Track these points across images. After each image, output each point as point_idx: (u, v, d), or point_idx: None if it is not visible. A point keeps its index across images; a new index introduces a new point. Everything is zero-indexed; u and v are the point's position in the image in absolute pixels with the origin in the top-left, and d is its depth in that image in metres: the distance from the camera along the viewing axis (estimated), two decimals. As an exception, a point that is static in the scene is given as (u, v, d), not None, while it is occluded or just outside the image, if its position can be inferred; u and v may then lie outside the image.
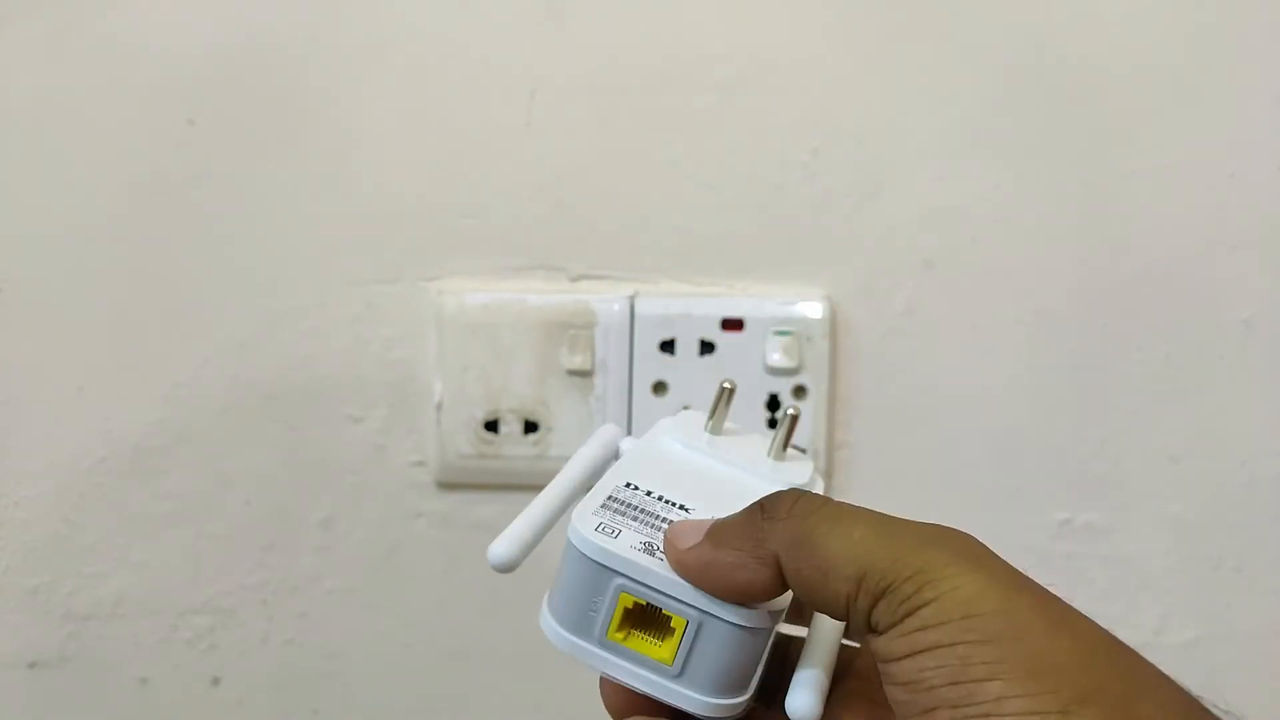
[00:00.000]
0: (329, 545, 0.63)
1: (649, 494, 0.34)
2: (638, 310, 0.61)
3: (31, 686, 0.64)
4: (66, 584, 0.64)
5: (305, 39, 0.60)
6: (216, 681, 0.65)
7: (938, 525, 0.30)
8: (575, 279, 0.62)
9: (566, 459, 0.38)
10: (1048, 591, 0.28)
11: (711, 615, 0.31)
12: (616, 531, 0.32)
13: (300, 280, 0.62)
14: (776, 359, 0.60)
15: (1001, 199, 0.60)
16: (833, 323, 0.61)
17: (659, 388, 0.61)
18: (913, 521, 0.30)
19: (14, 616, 0.64)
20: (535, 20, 0.60)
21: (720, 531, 0.31)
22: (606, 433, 0.39)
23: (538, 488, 0.37)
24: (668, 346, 0.61)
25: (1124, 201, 0.60)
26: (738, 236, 0.61)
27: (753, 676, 0.32)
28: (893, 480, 0.62)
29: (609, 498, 0.33)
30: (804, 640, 0.33)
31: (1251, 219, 0.60)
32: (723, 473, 0.36)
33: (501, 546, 0.34)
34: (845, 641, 0.34)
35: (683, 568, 0.31)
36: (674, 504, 0.33)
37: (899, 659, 0.28)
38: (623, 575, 0.31)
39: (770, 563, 0.30)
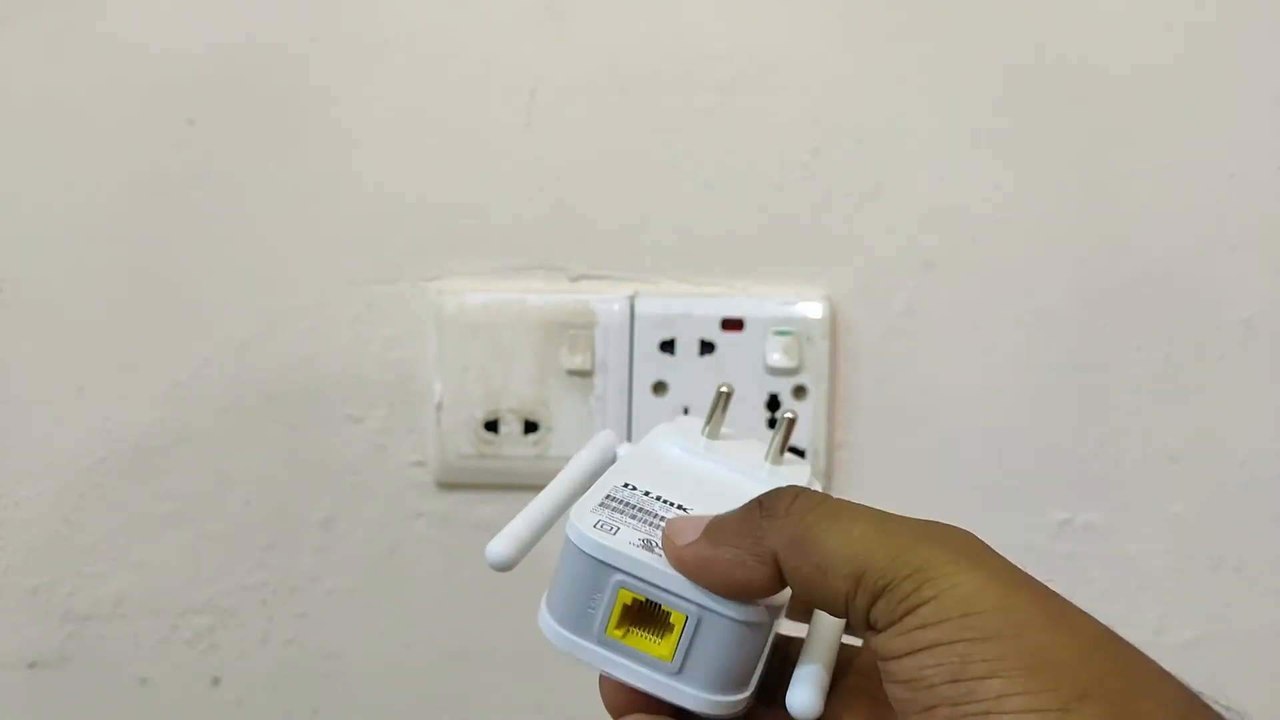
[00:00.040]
0: (329, 545, 0.63)
1: (647, 494, 0.34)
2: (638, 310, 0.61)
3: (31, 686, 0.64)
4: (66, 584, 0.64)
5: (305, 39, 0.60)
6: (216, 681, 0.65)
7: (937, 523, 0.30)
8: (575, 279, 0.62)
9: (566, 459, 0.38)
10: (1047, 588, 0.28)
11: (710, 610, 0.31)
12: (615, 529, 0.32)
13: (300, 280, 0.62)
14: (776, 359, 0.60)
15: (1001, 199, 0.60)
16: (833, 323, 0.61)
17: (659, 388, 0.61)
18: (912, 519, 0.30)
19: (14, 616, 0.64)
20: (535, 20, 0.60)
21: (718, 528, 0.31)
22: (604, 438, 0.39)
23: (538, 488, 0.37)
24: (668, 346, 0.61)
25: (1124, 201, 0.60)
26: (738, 236, 0.61)
27: (753, 674, 0.32)
28: (893, 480, 0.62)
29: (607, 496, 0.33)
30: (804, 639, 0.33)
31: (1251, 219, 0.60)
32: (720, 475, 0.36)
33: (499, 545, 0.34)
34: (846, 639, 0.33)
35: (680, 564, 0.30)
36: (672, 504, 0.33)
37: (899, 657, 0.27)
38: (621, 571, 0.31)
39: (768, 560, 0.30)
